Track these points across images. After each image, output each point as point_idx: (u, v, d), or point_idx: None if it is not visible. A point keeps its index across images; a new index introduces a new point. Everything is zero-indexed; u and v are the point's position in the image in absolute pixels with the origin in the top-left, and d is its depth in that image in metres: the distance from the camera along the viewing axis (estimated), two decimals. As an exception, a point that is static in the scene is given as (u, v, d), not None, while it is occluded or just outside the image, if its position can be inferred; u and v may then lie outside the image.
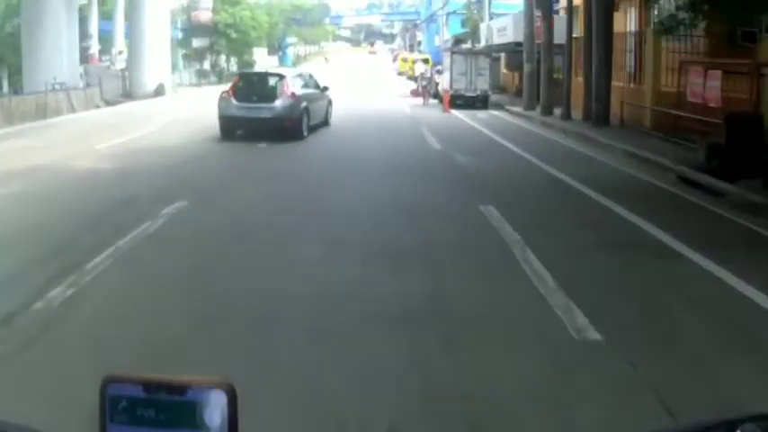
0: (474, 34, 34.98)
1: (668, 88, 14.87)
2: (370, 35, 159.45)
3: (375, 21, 79.97)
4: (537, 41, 21.34)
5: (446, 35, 57.23)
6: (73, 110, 20.75)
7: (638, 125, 15.53)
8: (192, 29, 38.57)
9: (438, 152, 13.63)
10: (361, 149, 14.04)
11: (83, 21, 30.91)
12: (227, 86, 16.50)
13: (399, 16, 73.59)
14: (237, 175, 10.82)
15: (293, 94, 14.66)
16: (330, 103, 17.85)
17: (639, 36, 17.20)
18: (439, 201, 8.85)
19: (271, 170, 11.28)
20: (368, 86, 37.35)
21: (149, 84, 29.48)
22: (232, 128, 14.66)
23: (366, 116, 20.95)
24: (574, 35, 19.68)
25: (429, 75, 27.62)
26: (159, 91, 29.28)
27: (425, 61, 50.52)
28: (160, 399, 0.62)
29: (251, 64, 49.79)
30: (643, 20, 17.32)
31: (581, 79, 18.67)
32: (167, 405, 0.62)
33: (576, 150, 13.88)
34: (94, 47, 35.90)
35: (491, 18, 34.03)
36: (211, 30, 37.96)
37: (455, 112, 22.77)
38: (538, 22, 21.31)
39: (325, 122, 17.20)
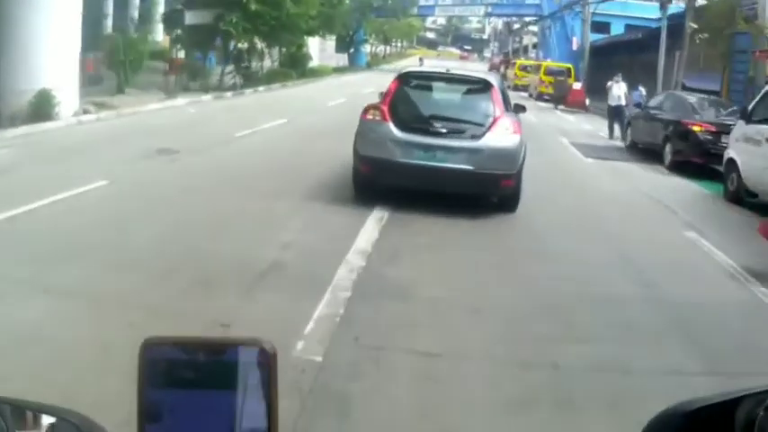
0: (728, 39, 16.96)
1: None
2: (458, 39, 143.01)
3: (476, 14, 62.81)
4: None
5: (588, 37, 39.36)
6: None
7: None
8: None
9: None
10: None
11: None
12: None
13: (511, 9, 55.77)
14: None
15: (516, 124, 7.81)
16: None
17: None
18: None
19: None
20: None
21: (30, 92, 13.07)
22: (381, 181, 7.75)
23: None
24: None
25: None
26: (42, 110, 12.83)
27: (567, 73, 32.79)
28: (198, 360, 0.61)
29: (301, 60, 33.01)
30: None
31: None
32: (206, 366, 0.61)
33: None
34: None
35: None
36: (218, -1, 21.24)
37: None
38: None
39: None
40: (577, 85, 27.45)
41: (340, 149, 11.65)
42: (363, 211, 7.32)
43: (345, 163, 10.07)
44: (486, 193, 7.90)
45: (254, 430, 0.61)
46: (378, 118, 7.79)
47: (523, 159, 7.83)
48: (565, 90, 27.41)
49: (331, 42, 51.45)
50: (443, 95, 8.33)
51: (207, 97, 20.14)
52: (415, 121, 7.78)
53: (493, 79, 8.59)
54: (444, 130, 7.63)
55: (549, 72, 32.19)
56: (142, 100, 17.52)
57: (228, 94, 21.81)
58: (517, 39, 74.37)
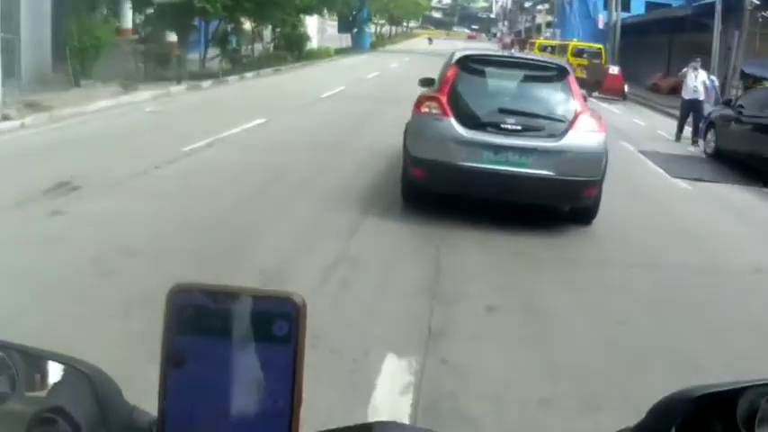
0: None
1: None
2: (464, 18, 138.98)
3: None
4: None
5: (615, 13, 35.55)
6: None
7: None
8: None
9: None
10: None
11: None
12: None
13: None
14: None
15: (599, 119, 6.92)
16: None
17: None
18: None
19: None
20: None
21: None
22: (439, 188, 6.95)
23: None
24: None
25: None
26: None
27: (598, 55, 29.15)
28: (226, 309, 0.59)
29: (297, 42, 29.60)
30: None
31: None
32: (233, 315, 0.59)
33: None
34: None
35: None
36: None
37: None
38: None
39: None
40: (614, 70, 23.85)
41: (332, 177, 8.09)
42: (361, 370, 3.66)
43: (341, 217, 6.52)
44: (565, 203, 7.00)
45: (278, 382, 0.59)
46: (436, 112, 6.82)
47: (606, 162, 6.76)
48: (600, 74, 23.84)
49: (332, 22, 47.95)
50: (512, 84, 7.18)
51: (179, 88, 16.71)
52: (483, 117, 6.78)
53: (567, 65, 7.59)
54: (518, 128, 6.64)
55: (576, 53, 28.54)
56: (94, 95, 14.09)
57: (207, 82, 18.38)
58: (528, 17, 70.66)
